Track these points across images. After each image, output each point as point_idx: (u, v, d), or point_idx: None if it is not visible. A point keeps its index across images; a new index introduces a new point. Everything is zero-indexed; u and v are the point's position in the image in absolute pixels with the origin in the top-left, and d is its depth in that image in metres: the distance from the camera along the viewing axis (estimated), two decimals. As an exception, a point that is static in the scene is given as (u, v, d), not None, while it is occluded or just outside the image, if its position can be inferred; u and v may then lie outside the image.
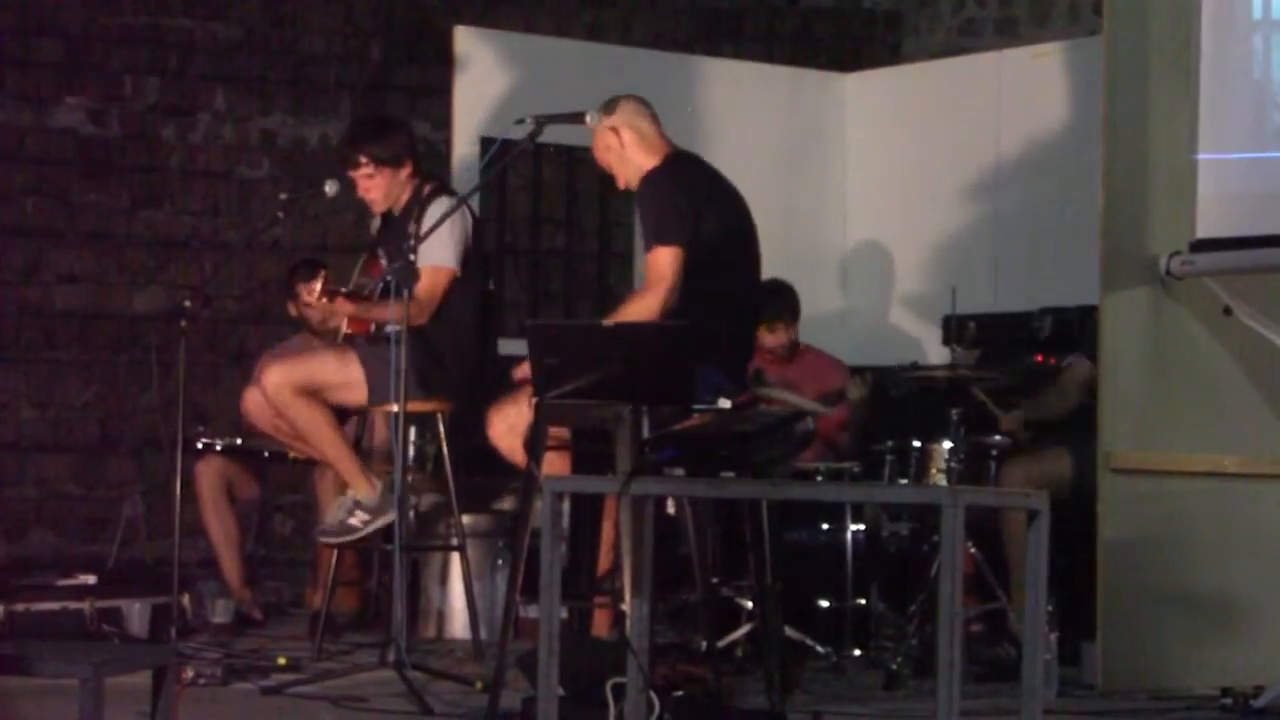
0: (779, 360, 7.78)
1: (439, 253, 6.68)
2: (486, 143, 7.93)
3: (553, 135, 6.42)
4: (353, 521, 6.80)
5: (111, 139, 8.93)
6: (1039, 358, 7.47)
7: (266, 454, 7.77)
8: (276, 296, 8.66)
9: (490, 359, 7.10)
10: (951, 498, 4.33)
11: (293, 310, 8.15)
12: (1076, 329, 7.47)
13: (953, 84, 8.93)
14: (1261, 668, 6.29)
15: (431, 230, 6.36)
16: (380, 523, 6.75)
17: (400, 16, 9.45)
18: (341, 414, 6.94)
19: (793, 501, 6.97)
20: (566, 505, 6.26)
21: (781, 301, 7.72)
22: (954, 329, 7.13)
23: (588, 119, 6.21)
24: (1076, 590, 6.49)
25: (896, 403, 7.88)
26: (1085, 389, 6.96)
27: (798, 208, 8.98)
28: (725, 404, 5.62)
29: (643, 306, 6.07)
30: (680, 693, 5.44)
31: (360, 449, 7.04)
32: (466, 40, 8.41)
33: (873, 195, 9.07)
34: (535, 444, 5.61)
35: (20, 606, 6.90)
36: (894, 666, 6.45)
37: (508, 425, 6.27)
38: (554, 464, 5.99)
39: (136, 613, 7.12)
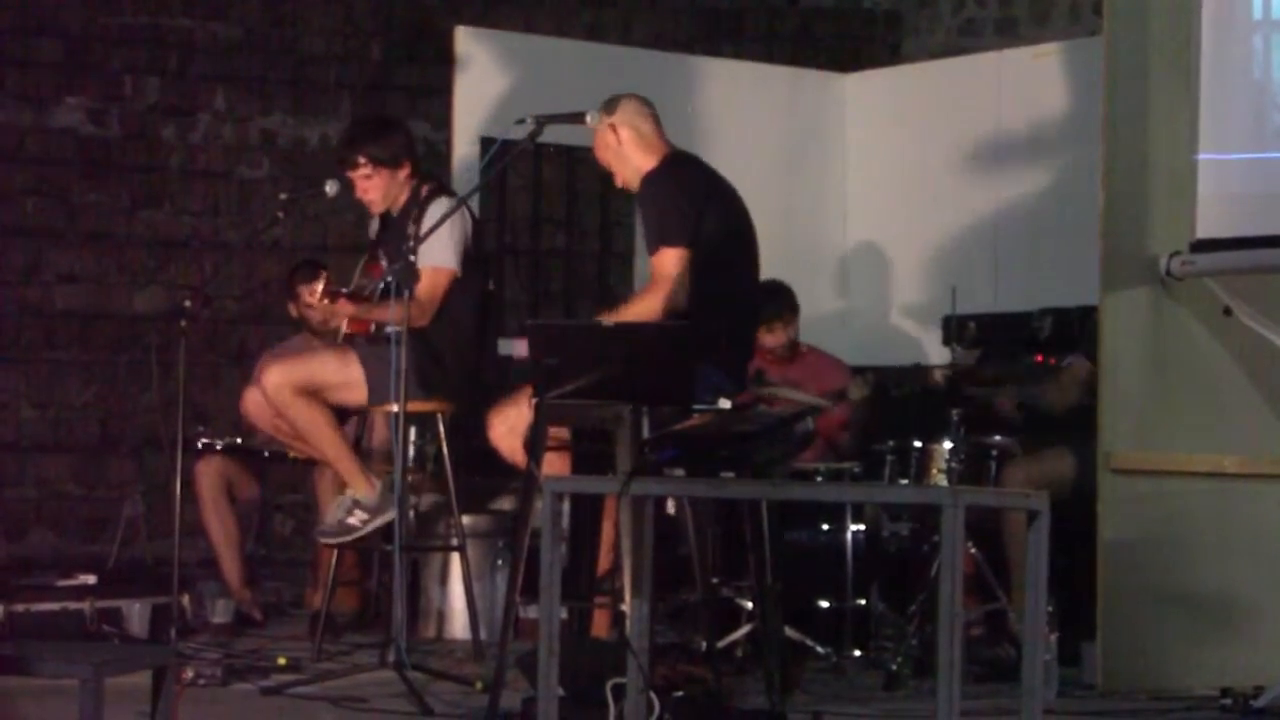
0: (780, 360, 7.77)
1: (439, 253, 6.68)
2: (486, 143, 7.93)
3: (553, 135, 6.42)
4: (352, 521, 6.80)
5: (111, 139, 8.92)
6: (1039, 358, 7.47)
7: (266, 454, 7.77)
8: (277, 296, 8.66)
9: (490, 359, 7.10)
10: (952, 498, 4.34)
11: (293, 311, 8.16)
12: (1076, 329, 7.47)
13: (953, 84, 8.92)
14: (1261, 668, 6.28)
15: (431, 231, 6.36)
16: (379, 522, 6.75)
17: (400, 16, 9.44)
18: (341, 414, 6.94)
19: (793, 501, 6.96)
20: (566, 505, 6.24)
21: (779, 302, 7.72)
22: (954, 329, 7.14)
23: (588, 119, 6.21)
24: (1076, 590, 6.48)
25: (897, 403, 7.88)
26: (1085, 389, 6.96)
27: (798, 208, 8.97)
28: (725, 404, 5.61)
29: (645, 307, 6.07)
30: (680, 693, 5.43)
31: (360, 449, 7.03)
32: (466, 40, 8.40)
33: (873, 195, 9.06)
34: (535, 444, 5.60)
35: (20, 606, 6.90)
36: (894, 667, 6.44)
37: (508, 426, 6.27)
38: (554, 464, 5.99)
39: (136, 613, 7.12)
